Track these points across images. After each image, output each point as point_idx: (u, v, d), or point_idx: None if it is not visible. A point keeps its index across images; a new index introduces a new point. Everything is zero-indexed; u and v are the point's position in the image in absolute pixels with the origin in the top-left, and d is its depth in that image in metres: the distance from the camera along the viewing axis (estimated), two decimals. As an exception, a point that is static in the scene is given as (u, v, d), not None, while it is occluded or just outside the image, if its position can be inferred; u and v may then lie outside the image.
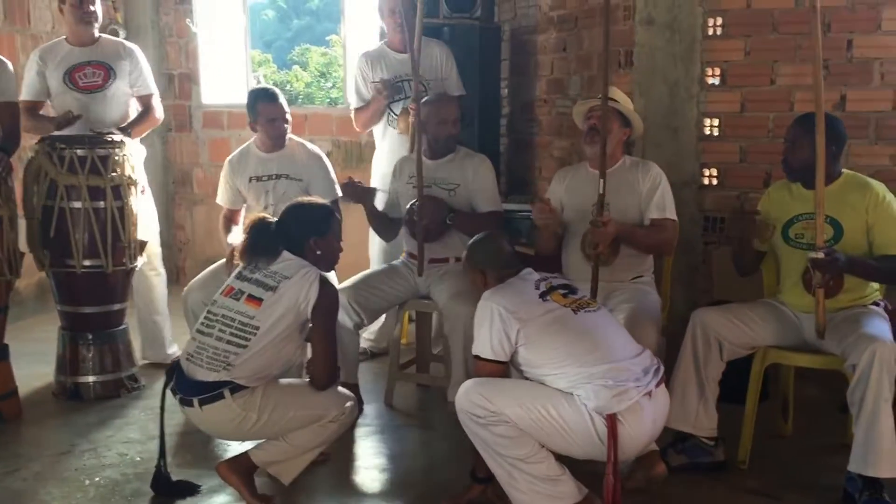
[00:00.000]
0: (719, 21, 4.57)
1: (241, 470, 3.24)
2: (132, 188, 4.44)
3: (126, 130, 4.65)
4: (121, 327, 4.57)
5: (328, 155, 6.72)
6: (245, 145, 4.68)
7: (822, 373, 3.62)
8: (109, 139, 4.40)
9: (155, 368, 4.82)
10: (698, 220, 4.66)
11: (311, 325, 3.27)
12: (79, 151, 4.30)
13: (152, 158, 6.50)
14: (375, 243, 5.07)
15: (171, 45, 7.15)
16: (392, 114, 4.98)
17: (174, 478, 3.40)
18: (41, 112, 4.83)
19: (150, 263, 4.81)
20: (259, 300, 3.20)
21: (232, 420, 3.17)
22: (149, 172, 4.89)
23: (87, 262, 4.34)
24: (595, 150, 3.82)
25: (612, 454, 2.87)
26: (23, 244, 4.35)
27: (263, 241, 3.31)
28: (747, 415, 3.60)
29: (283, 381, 3.34)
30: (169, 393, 3.27)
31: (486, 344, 3.05)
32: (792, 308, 3.60)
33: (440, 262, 4.29)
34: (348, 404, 3.36)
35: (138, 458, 3.73)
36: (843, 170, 3.57)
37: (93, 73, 4.77)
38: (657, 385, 3.01)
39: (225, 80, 7.18)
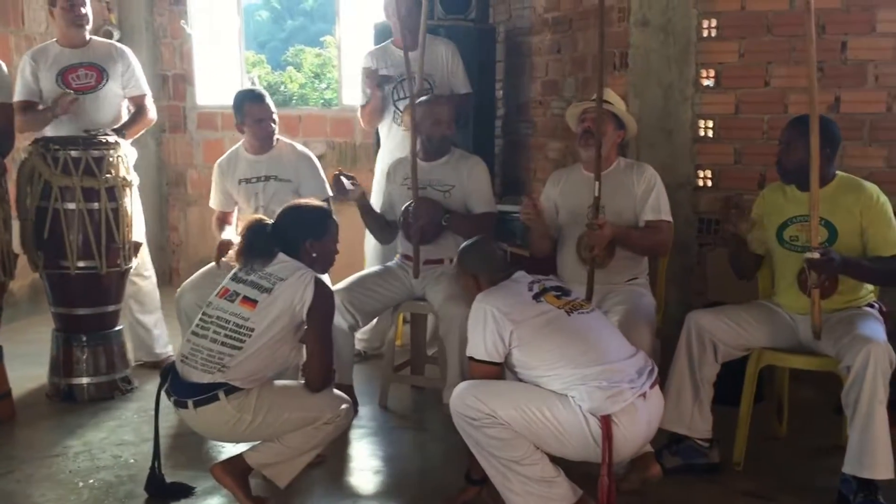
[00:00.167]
0: (714, 23, 4.57)
1: (236, 472, 3.23)
2: (126, 189, 4.43)
3: (120, 132, 4.65)
4: (115, 329, 4.55)
5: (323, 156, 6.77)
6: (234, 148, 4.68)
7: (817, 374, 3.62)
8: (104, 140, 4.39)
9: (148, 370, 4.81)
10: (693, 221, 4.67)
11: (306, 326, 3.26)
12: (73, 153, 4.29)
13: (146, 159, 6.50)
14: (370, 244, 5.07)
15: (166, 46, 7.14)
16: (398, 111, 4.98)
17: (168, 480, 3.39)
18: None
19: (136, 269, 4.78)
20: (254, 302, 3.19)
21: (227, 422, 3.17)
22: (142, 173, 4.88)
23: (81, 264, 4.33)
24: (590, 154, 3.83)
25: (606, 455, 2.87)
26: (16, 245, 4.34)
27: (259, 243, 3.30)
28: (742, 416, 3.60)
29: (278, 382, 3.33)
30: (163, 395, 3.27)
31: (479, 345, 3.05)
32: (787, 310, 3.61)
33: (435, 264, 4.29)
34: (343, 406, 3.35)
35: (132, 460, 3.72)
36: (837, 172, 3.58)
37: (86, 75, 4.77)
38: (651, 386, 3.01)
39: (219, 81, 7.17)
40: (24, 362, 4.76)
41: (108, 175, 4.34)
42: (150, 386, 4.50)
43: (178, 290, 4.44)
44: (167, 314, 4.95)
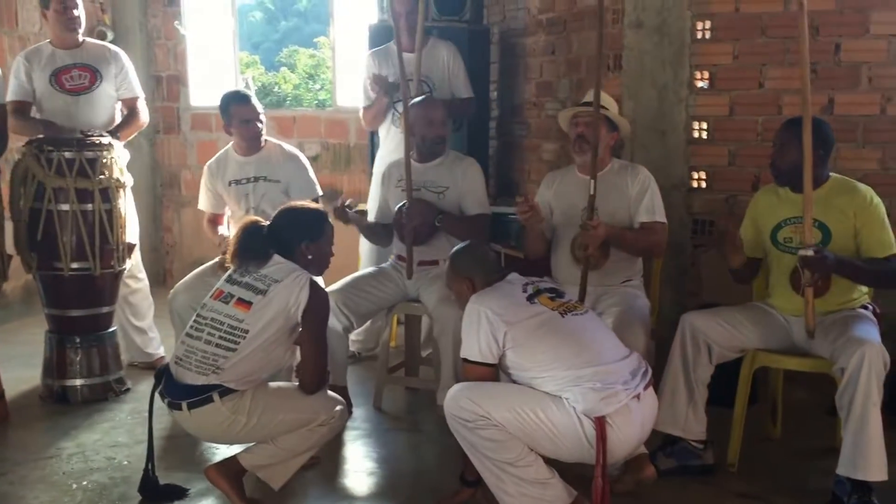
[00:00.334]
0: (708, 24, 4.58)
1: (230, 473, 3.22)
2: (120, 190, 4.43)
3: (114, 134, 4.64)
4: (108, 330, 4.54)
5: (317, 157, 6.77)
6: (223, 150, 4.69)
7: (811, 376, 3.63)
8: (98, 141, 4.38)
9: (142, 371, 4.80)
10: (687, 223, 4.68)
11: (300, 328, 3.26)
12: (67, 154, 4.28)
13: (139, 160, 6.49)
14: (365, 246, 5.07)
15: (160, 47, 7.14)
16: (396, 113, 4.99)
17: (162, 481, 3.38)
18: (30, 114, 4.80)
19: (129, 270, 4.77)
20: (249, 304, 3.18)
21: (221, 423, 3.16)
22: (136, 174, 4.87)
23: (74, 265, 4.32)
24: (585, 159, 3.85)
25: (600, 457, 2.87)
26: (10, 247, 4.33)
27: (254, 245, 3.30)
28: (736, 418, 3.61)
29: (273, 384, 3.33)
30: (157, 396, 3.26)
31: (473, 346, 3.06)
32: (781, 311, 3.61)
33: (429, 265, 4.28)
34: (338, 408, 3.35)
35: (126, 462, 3.71)
36: (831, 174, 3.58)
37: (79, 76, 4.77)
38: (645, 388, 3.01)
39: (213, 82, 7.16)
40: (17, 364, 4.75)
41: (101, 176, 4.33)
42: (143, 387, 4.49)
43: (171, 291, 4.43)
44: (160, 315, 4.94)
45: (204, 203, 4.71)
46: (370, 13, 6.76)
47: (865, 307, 3.55)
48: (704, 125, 4.65)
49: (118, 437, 3.99)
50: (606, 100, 3.97)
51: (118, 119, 4.90)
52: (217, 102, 4.60)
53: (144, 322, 5.00)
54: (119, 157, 4.48)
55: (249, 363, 3.16)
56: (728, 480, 3.53)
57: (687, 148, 4.66)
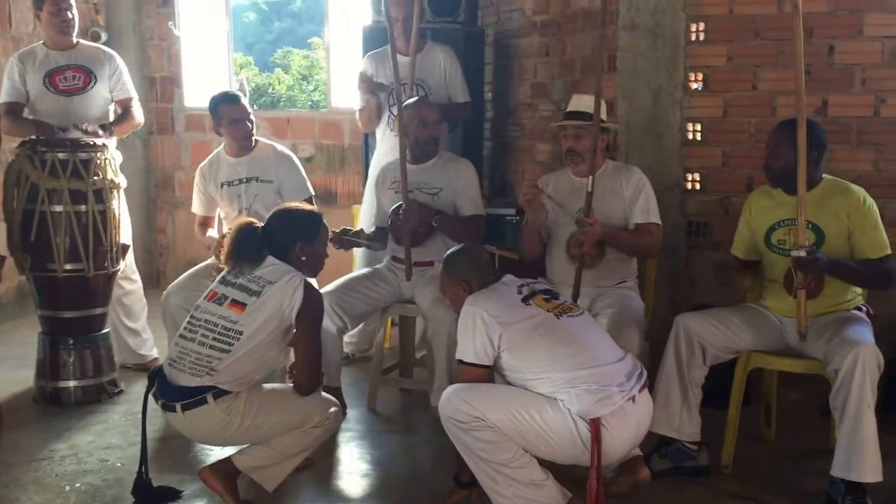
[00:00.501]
0: (702, 26, 4.58)
1: (224, 475, 3.22)
2: (114, 192, 4.42)
3: (108, 129, 4.63)
4: (102, 331, 4.53)
5: (311, 159, 6.76)
6: (214, 153, 4.68)
7: (805, 377, 3.64)
8: (91, 143, 4.37)
9: (135, 373, 4.79)
10: (681, 224, 4.67)
11: (294, 330, 3.25)
12: (60, 155, 4.27)
13: (133, 161, 6.48)
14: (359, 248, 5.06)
15: (153, 48, 7.12)
16: (392, 116, 4.98)
17: (155, 483, 3.37)
18: (23, 115, 4.79)
19: (122, 272, 4.76)
20: (243, 305, 3.18)
21: (215, 425, 3.15)
22: (130, 176, 4.87)
23: (68, 266, 4.31)
24: (579, 170, 3.89)
25: (595, 459, 2.87)
26: (3, 248, 4.32)
27: (249, 246, 3.29)
28: (730, 419, 3.61)
29: (267, 385, 3.32)
30: (150, 398, 3.25)
31: (469, 348, 3.05)
32: (775, 312, 3.62)
33: (424, 266, 4.28)
34: (332, 409, 3.34)
35: (119, 464, 3.70)
36: (824, 175, 3.59)
37: (73, 77, 4.76)
38: (640, 390, 3.01)
39: (207, 82, 7.15)
40: (10, 366, 4.74)
41: (95, 177, 4.32)
42: (136, 389, 4.48)
43: (165, 292, 4.43)
44: (153, 317, 4.92)
45: (196, 206, 4.71)
46: (365, 14, 6.76)
47: (860, 308, 3.55)
48: (698, 127, 4.65)
49: (111, 438, 3.98)
50: (589, 103, 3.94)
51: (111, 120, 4.89)
52: (208, 106, 4.60)
53: (138, 323, 4.99)
54: (113, 159, 4.48)
55: (243, 365, 3.15)
56: (722, 481, 3.53)
57: (681, 149, 4.66)
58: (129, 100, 4.94)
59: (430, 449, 3.91)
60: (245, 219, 3.50)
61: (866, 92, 4.39)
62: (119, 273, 4.64)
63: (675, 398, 3.53)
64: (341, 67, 7.04)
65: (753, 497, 3.42)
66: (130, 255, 4.85)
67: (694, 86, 4.64)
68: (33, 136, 4.44)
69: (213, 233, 4.64)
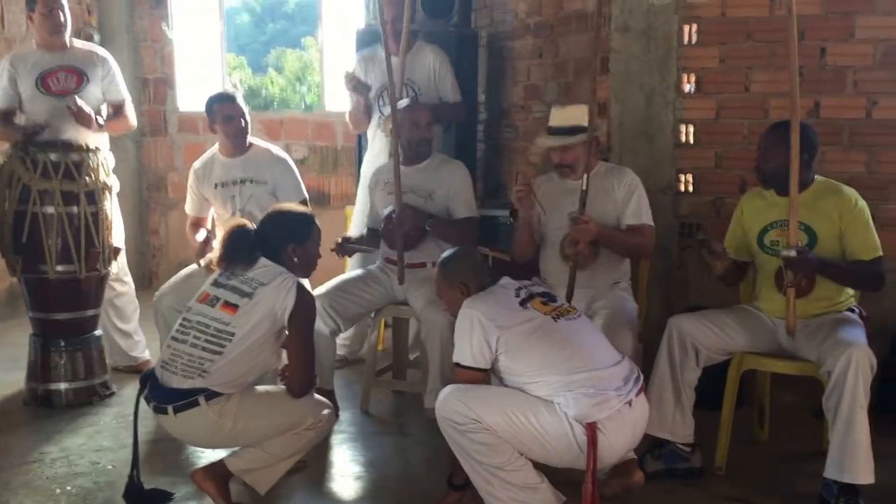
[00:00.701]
0: (694, 28, 4.59)
1: (217, 478, 3.21)
2: (106, 193, 4.40)
3: (99, 123, 4.63)
4: (93, 333, 4.51)
5: (304, 160, 6.75)
6: (209, 153, 4.66)
7: (798, 379, 3.63)
8: (84, 144, 4.36)
9: (126, 375, 4.77)
10: (674, 225, 4.68)
11: (287, 332, 3.24)
12: (52, 156, 4.26)
13: (126, 163, 6.46)
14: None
15: (146, 49, 7.10)
16: (382, 117, 4.98)
17: (147, 486, 3.35)
18: (14, 120, 4.77)
19: (114, 274, 4.74)
20: (235, 307, 3.17)
21: (207, 427, 3.14)
22: (122, 177, 4.85)
23: (59, 268, 4.29)
24: (572, 179, 3.88)
25: (591, 463, 2.86)
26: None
27: (241, 247, 3.28)
28: (723, 421, 3.61)
29: (260, 388, 3.31)
30: (142, 400, 3.24)
31: (466, 351, 3.04)
32: (768, 314, 3.62)
33: (417, 268, 4.27)
34: (325, 412, 3.33)
35: (110, 467, 3.68)
36: (816, 176, 3.60)
37: (65, 78, 4.74)
38: (637, 394, 3.01)
39: (200, 84, 7.14)
40: (0, 368, 4.72)
41: (87, 179, 4.31)
42: (128, 391, 4.47)
43: (157, 293, 4.41)
44: (146, 318, 4.91)
45: (189, 206, 4.69)
46: (358, 16, 6.76)
47: (852, 310, 3.56)
48: (691, 128, 4.66)
49: (103, 441, 3.96)
50: (576, 115, 3.91)
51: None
52: (204, 105, 4.59)
53: (129, 325, 4.97)
54: (105, 160, 4.47)
55: (236, 366, 3.14)
56: (715, 483, 3.53)
57: (674, 151, 4.67)
58: (122, 102, 4.92)
59: (423, 451, 3.91)
60: (237, 220, 3.49)
61: (858, 94, 4.40)
62: (111, 275, 4.63)
63: (668, 400, 3.53)
64: (335, 69, 7.03)
65: (747, 499, 3.42)
66: (122, 257, 4.83)
67: (687, 88, 4.65)
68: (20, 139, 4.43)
69: (202, 234, 4.61)
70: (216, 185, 4.53)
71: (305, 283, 3.38)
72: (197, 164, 4.66)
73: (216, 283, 3.28)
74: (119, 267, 4.74)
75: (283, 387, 3.35)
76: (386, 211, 4.27)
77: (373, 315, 4.43)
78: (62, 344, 4.39)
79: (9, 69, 4.74)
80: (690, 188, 4.70)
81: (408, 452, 3.96)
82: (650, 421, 3.32)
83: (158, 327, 4.31)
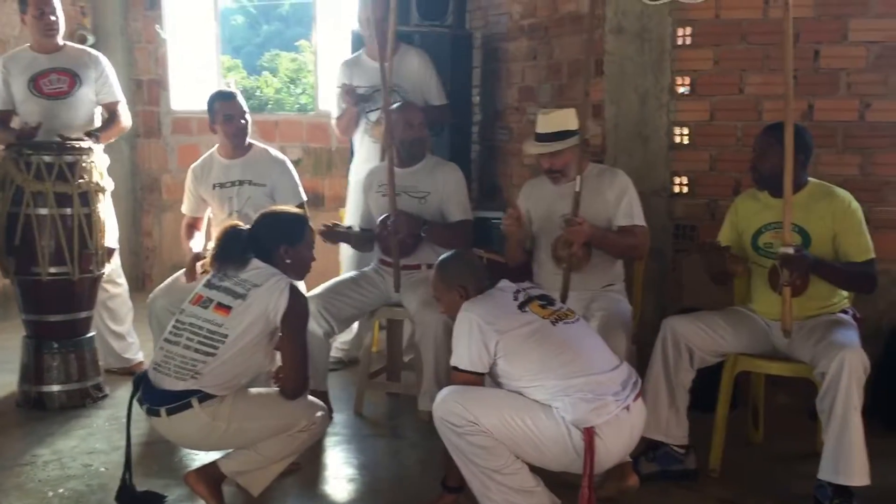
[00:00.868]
0: (688, 31, 4.59)
1: (210, 480, 3.20)
2: (100, 195, 4.39)
3: (94, 135, 4.60)
4: (86, 336, 4.50)
5: (298, 162, 6.74)
6: (207, 154, 4.65)
7: (792, 380, 3.64)
8: (77, 146, 4.35)
9: (119, 377, 4.76)
10: (668, 228, 4.68)
11: (280, 333, 3.23)
12: (46, 158, 4.25)
13: (120, 164, 6.44)
14: (346, 250, 5.04)
15: (140, 50, 7.10)
16: (368, 122, 4.97)
17: (140, 488, 3.34)
18: (10, 123, 4.76)
19: (108, 275, 4.73)
20: (228, 308, 3.16)
21: (200, 429, 3.13)
22: (116, 179, 4.84)
23: (52, 270, 4.28)
24: (563, 183, 3.88)
25: (588, 468, 2.85)
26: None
27: (234, 249, 3.28)
28: (718, 423, 3.61)
29: (253, 389, 3.30)
30: (135, 402, 3.22)
31: (464, 355, 3.04)
32: (762, 315, 3.62)
33: (412, 270, 4.27)
34: (319, 414, 3.32)
35: (103, 469, 3.67)
36: (810, 178, 3.60)
37: (58, 80, 4.73)
38: (635, 398, 3.01)
39: (195, 85, 7.13)
40: (-7, 370, 4.70)
41: (81, 180, 4.30)
42: (121, 393, 4.45)
43: (150, 295, 4.39)
44: (139, 320, 4.90)
45: (186, 206, 4.68)
46: (352, 19, 6.74)
47: (846, 312, 3.56)
48: (685, 131, 4.66)
49: (95, 443, 3.95)
50: (559, 120, 3.90)
51: (98, 123, 4.87)
52: (198, 106, 4.60)
53: (123, 327, 4.96)
54: (99, 161, 4.45)
55: (229, 368, 3.13)
56: (710, 485, 3.53)
57: (668, 153, 4.66)
58: (116, 103, 4.91)
59: (417, 453, 3.90)
60: (231, 221, 3.48)
61: (851, 96, 4.40)
62: (104, 276, 4.61)
63: (662, 402, 3.53)
64: (329, 71, 7.02)
65: (741, 500, 3.42)
66: (116, 259, 4.82)
67: (681, 90, 4.64)
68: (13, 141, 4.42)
69: (199, 236, 4.60)
70: (214, 186, 4.52)
71: (301, 285, 3.38)
72: (196, 163, 4.65)
73: (209, 285, 3.27)
74: (113, 268, 4.73)
75: (276, 389, 3.35)
76: (381, 217, 4.26)
77: (367, 317, 4.42)
78: (55, 346, 4.38)
79: (2, 71, 4.73)
80: (685, 190, 4.69)
81: (401, 455, 3.95)
82: (645, 423, 3.32)
83: (152, 329, 4.29)
